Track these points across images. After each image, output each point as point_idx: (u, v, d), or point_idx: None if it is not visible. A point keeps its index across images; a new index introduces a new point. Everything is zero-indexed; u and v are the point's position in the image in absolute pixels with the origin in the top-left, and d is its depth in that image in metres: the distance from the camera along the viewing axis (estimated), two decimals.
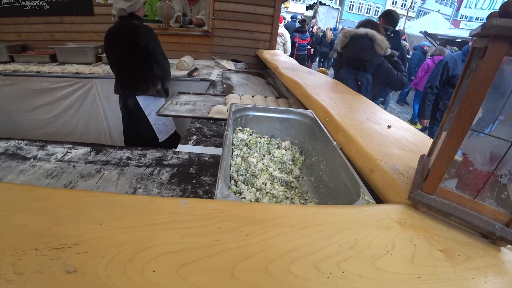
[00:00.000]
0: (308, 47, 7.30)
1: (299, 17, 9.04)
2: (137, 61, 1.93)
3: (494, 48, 0.39)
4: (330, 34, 8.67)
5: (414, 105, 5.30)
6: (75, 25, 3.21)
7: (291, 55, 6.32)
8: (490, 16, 0.42)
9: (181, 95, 1.87)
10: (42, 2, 3.17)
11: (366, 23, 2.25)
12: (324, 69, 3.27)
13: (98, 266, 0.31)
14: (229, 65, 2.95)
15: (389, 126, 1.00)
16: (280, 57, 2.66)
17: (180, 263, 0.33)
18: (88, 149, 1.16)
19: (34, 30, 3.32)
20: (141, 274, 0.31)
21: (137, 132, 2.11)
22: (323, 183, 0.87)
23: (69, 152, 1.16)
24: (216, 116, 1.51)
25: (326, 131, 0.94)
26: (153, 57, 1.92)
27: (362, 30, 2.12)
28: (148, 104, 2.01)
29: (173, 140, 2.19)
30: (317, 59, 9.33)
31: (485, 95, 0.40)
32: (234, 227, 0.40)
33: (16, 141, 1.24)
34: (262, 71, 3.08)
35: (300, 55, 6.30)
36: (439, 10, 19.27)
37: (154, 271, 0.31)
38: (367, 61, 2.14)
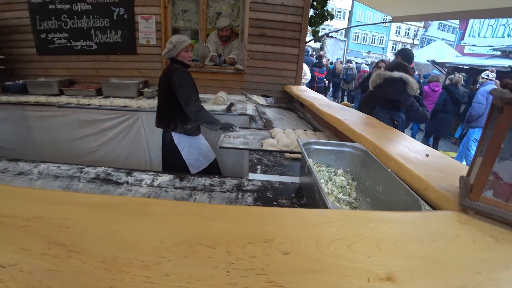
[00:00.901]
0: (324, 79, 7.72)
1: (310, 51, 9.58)
2: (169, 100, 2.14)
3: (508, 109, 0.66)
4: (339, 67, 9.12)
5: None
6: (119, 63, 3.59)
7: (312, 88, 6.73)
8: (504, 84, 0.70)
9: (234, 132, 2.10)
10: (91, 43, 3.57)
11: (398, 66, 2.49)
12: (347, 103, 3.53)
13: (301, 249, 0.55)
14: (260, 100, 3.22)
15: (427, 155, 1.24)
16: (310, 94, 2.95)
17: (348, 243, 0.57)
18: (171, 176, 1.36)
19: (81, 66, 3.72)
20: (328, 251, 0.55)
21: (173, 163, 2.30)
22: (381, 203, 1.09)
23: (155, 179, 1.35)
24: (270, 148, 1.75)
25: (378, 160, 1.17)
26: (180, 98, 2.07)
27: (397, 74, 2.36)
28: (181, 141, 2.21)
29: (208, 170, 2.33)
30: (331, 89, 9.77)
31: (504, 136, 0.67)
32: (364, 223, 0.66)
33: (103, 168, 1.43)
34: (290, 105, 3.38)
35: (319, 87, 6.71)
36: (443, 39, 19.94)
37: (335, 249, 0.55)
38: (402, 102, 2.37)
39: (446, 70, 9.55)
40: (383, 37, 30.32)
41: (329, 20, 3.66)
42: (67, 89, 3.51)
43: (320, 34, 3.82)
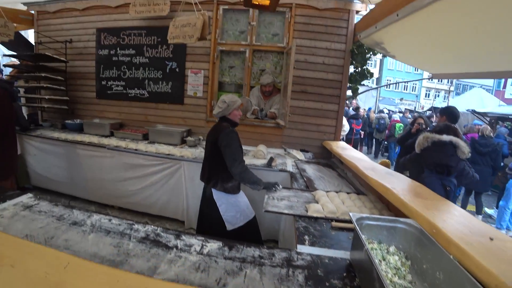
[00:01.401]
0: (361, 131, 7.69)
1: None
2: (213, 157, 2.19)
3: None
4: (373, 116, 9.04)
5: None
6: (166, 111, 3.84)
7: (349, 140, 6.71)
8: None
9: (277, 191, 2.10)
10: (144, 91, 3.90)
11: (448, 129, 2.47)
12: (387, 161, 3.41)
13: None
14: (299, 155, 3.22)
15: (491, 239, 1.12)
16: (352, 153, 2.93)
17: None
18: (220, 243, 1.35)
19: (132, 112, 4.03)
20: None
21: (210, 216, 2.29)
22: None
23: (205, 245, 1.33)
24: (315, 215, 1.72)
25: (437, 243, 1.08)
26: (225, 157, 2.09)
27: (446, 138, 2.34)
28: (220, 197, 2.21)
29: (245, 228, 2.28)
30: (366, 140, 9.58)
31: None
32: None
33: (152, 227, 1.44)
34: (328, 160, 3.37)
35: (356, 139, 6.68)
36: (481, 86, 19.24)
37: None
38: (452, 167, 2.31)
39: (488, 119, 9.05)
40: (415, 84, 29.97)
41: (369, 78, 3.69)
42: (117, 131, 3.78)
43: (360, 90, 3.83)
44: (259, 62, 3.70)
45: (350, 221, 1.63)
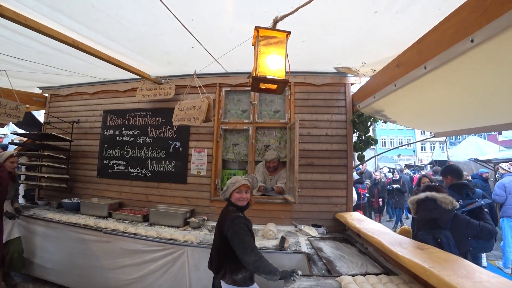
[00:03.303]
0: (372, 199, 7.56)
1: None
2: (221, 245, 2.03)
3: None
4: (379, 175, 8.92)
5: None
6: (168, 190, 3.76)
7: (358, 206, 6.52)
8: None
9: (296, 280, 1.89)
10: (146, 171, 3.88)
11: (428, 188, 2.68)
12: (407, 228, 3.20)
13: None
14: (312, 231, 3.05)
15: None
16: (371, 225, 2.83)
17: None
18: None
19: (133, 191, 3.94)
20: None
21: None
22: None
23: None
24: None
25: None
26: (233, 247, 1.91)
27: (422, 195, 2.56)
28: None
29: None
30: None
31: None
32: None
33: None
34: (343, 234, 3.21)
35: (364, 204, 6.50)
36: (475, 133, 19.60)
37: None
38: (438, 219, 2.48)
39: (492, 165, 8.97)
40: (409, 139, 30.84)
41: (374, 145, 3.72)
42: (116, 212, 3.64)
43: (365, 158, 3.83)
44: (263, 138, 3.77)
45: None
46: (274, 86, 1.86)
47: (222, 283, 1.99)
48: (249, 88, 3.67)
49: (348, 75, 3.72)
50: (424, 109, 2.68)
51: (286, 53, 1.81)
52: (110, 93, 4.41)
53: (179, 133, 3.83)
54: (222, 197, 2.17)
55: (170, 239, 2.85)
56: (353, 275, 1.95)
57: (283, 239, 2.75)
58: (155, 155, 3.90)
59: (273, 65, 1.79)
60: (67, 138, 4.32)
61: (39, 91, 5.01)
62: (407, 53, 2.18)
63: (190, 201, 3.68)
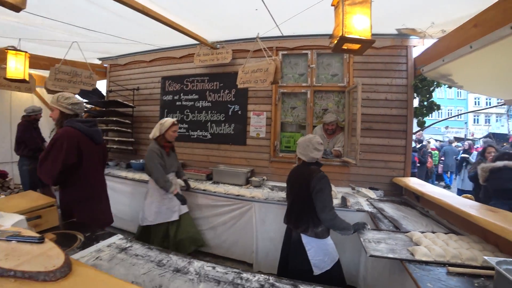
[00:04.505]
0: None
1: None
2: (302, 202, 2.14)
3: None
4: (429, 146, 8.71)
5: None
6: (228, 152, 4.02)
7: (412, 174, 6.50)
8: None
9: (366, 232, 2.08)
10: (207, 133, 4.14)
11: (502, 156, 2.62)
12: (470, 196, 3.19)
13: None
14: (370, 193, 3.15)
15: None
16: (433, 189, 2.86)
17: None
18: None
19: (194, 153, 4.26)
20: None
21: (295, 261, 2.22)
22: None
23: None
24: (424, 259, 1.66)
25: None
26: (315, 202, 2.05)
27: (500, 163, 2.50)
28: (310, 242, 2.15)
29: (330, 271, 2.19)
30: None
31: None
32: None
33: (263, 276, 1.39)
34: (400, 198, 3.29)
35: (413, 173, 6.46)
36: None
37: None
38: None
39: None
40: (460, 110, 28.37)
41: (436, 110, 3.62)
42: None
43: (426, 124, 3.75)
44: (321, 102, 3.82)
45: (470, 266, 1.57)
46: (357, 46, 1.89)
47: (303, 236, 2.15)
48: (307, 52, 3.75)
49: (411, 37, 3.55)
50: (501, 73, 2.53)
51: (371, 13, 1.83)
52: (167, 60, 4.64)
53: (237, 97, 4.00)
54: (308, 158, 2.17)
55: (238, 195, 3.12)
56: (422, 232, 2.03)
57: (344, 199, 2.90)
58: (215, 118, 4.14)
59: (358, 25, 1.81)
60: (130, 104, 4.71)
61: (99, 62, 5.42)
62: (490, 11, 2.04)
63: (250, 161, 3.94)
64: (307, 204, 2.13)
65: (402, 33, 3.50)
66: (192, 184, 3.49)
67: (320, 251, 2.15)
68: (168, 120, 2.92)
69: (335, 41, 1.88)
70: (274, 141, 3.84)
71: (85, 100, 5.29)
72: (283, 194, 3.17)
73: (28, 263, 0.74)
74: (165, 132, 2.91)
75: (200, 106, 4.26)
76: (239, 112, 3.98)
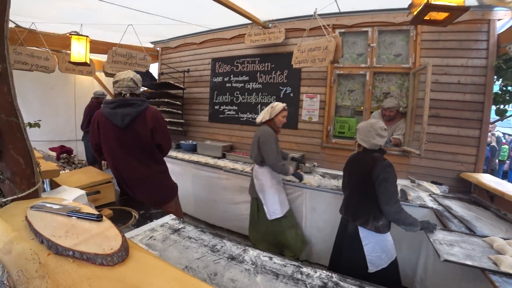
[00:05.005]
0: None
1: None
2: (362, 192, 2.01)
3: None
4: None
5: None
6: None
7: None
8: None
9: (435, 233, 1.89)
10: (256, 116, 4.03)
11: None
12: None
13: None
14: (433, 188, 2.89)
15: None
16: None
17: None
18: None
19: (243, 135, 4.27)
20: None
21: (349, 255, 2.10)
22: None
23: None
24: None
25: None
26: (378, 193, 1.90)
27: None
28: (367, 236, 2.00)
29: (386, 270, 2.03)
30: None
31: None
32: None
33: (325, 272, 1.28)
34: (468, 196, 2.94)
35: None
36: None
37: None
38: None
39: None
40: None
41: None
42: (229, 154, 4.04)
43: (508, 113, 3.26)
44: (381, 85, 3.51)
45: None
46: (443, 16, 1.64)
47: (361, 229, 2.01)
48: (367, 29, 3.44)
49: (495, 8, 3.04)
50: None
51: None
52: (217, 41, 4.62)
53: (289, 78, 3.86)
54: (371, 147, 2.03)
55: (289, 180, 3.04)
56: (505, 239, 1.76)
57: (404, 192, 2.68)
58: (265, 101, 4.07)
59: None
60: (180, 86, 4.83)
61: (151, 46, 5.60)
62: None
63: (300, 146, 3.82)
64: (368, 195, 1.97)
65: (484, 4, 3.02)
66: (241, 166, 3.51)
67: (378, 247, 2.00)
68: (279, 104, 2.75)
69: (416, 11, 1.65)
70: (328, 126, 3.65)
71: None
72: (335, 182, 3.04)
73: (86, 243, 0.73)
74: (275, 117, 2.76)
75: (251, 88, 4.20)
76: (291, 95, 3.84)
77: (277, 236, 2.84)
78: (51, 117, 5.78)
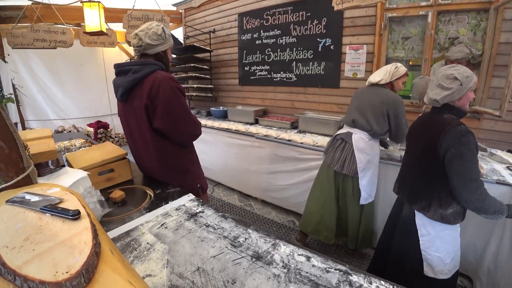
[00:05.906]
0: None
1: None
2: (426, 168, 1.52)
3: None
4: None
5: None
6: (317, 96, 3.50)
7: None
8: None
9: None
10: (291, 75, 3.66)
11: None
12: None
13: None
14: (511, 158, 2.31)
15: None
16: None
17: None
18: None
19: (277, 97, 3.89)
20: None
21: (401, 245, 1.71)
22: None
23: None
24: None
25: None
26: (450, 174, 1.39)
27: None
28: (426, 225, 1.54)
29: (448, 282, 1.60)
30: None
31: None
32: None
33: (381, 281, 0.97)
34: None
35: None
36: None
37: None
38: None
39: None
40: None
41: None
42: (262, 119, 3.72)
43: None
44: (448, 28, 2.81)
45: None
46: None
47: (419, 215, 1.56)
48: None
49: None
50: None
51: None
52: None
53: (329, 27, 3.27)
54: (446, 100, 1.46)
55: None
56: None
57: None
58: (301, 57, 3.57)
59: None
60: (207, 48, 4.46)
61: (173, 8, 5.20)
62: None
63: (343, 108, 3.32)
64: (432, 172, 1.49)
65: None
66: (275, 133, 3.20)
67: (442, 246, 1.52)
68: (402, 67, 2.27)
69: None
70: None
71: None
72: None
73: (39, 259, 0.47)
74: (396, 80, 2.27)
75: (283, 43, 3.71)
76: (331, 47, 3.29)
77: (366, 226, 2.41)
78: (85, 93, 5.94)
